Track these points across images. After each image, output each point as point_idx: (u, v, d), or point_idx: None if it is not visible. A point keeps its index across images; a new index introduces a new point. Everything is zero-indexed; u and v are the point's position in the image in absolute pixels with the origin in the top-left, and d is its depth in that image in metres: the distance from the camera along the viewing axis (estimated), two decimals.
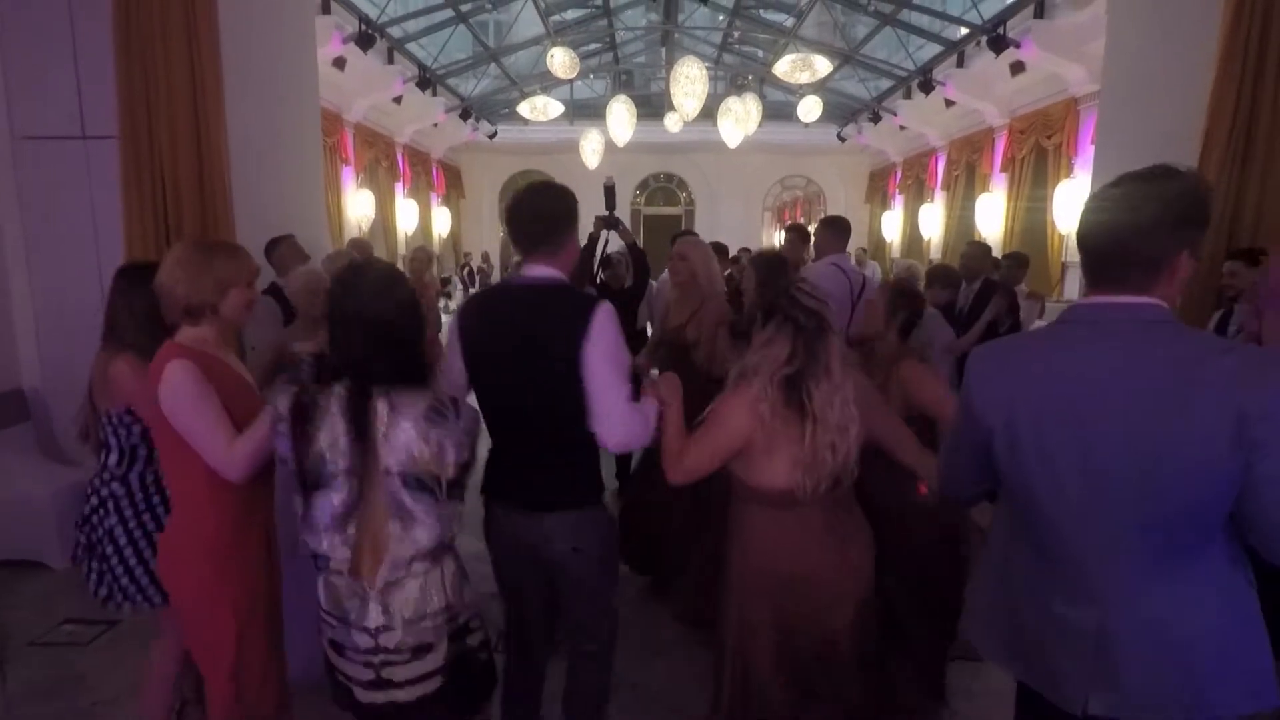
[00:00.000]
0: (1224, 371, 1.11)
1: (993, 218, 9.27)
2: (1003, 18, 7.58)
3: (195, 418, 1.64)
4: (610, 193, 3.91)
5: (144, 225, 3.57)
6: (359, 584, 1.46)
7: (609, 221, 3.91)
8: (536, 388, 1.76)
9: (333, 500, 1.43)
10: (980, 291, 4.51)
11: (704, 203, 15.74)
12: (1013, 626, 1.36)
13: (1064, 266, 7.81)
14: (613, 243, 4.26)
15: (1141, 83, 4.09)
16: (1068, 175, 7.67)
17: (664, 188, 16.02)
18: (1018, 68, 7.99)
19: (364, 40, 7.74)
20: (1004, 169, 9.19)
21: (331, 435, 1.42)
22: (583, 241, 3.09)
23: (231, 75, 3.65)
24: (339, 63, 7.93)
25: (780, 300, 1.76)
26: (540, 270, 1.81)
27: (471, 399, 1.68)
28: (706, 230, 15.44)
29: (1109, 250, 1.22)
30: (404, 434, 1.42)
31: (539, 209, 1.82)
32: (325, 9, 7.12)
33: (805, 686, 1.80)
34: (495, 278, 12.88)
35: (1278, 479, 1.10)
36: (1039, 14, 7.17)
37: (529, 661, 2.04)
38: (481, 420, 1.58)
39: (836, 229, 3.95)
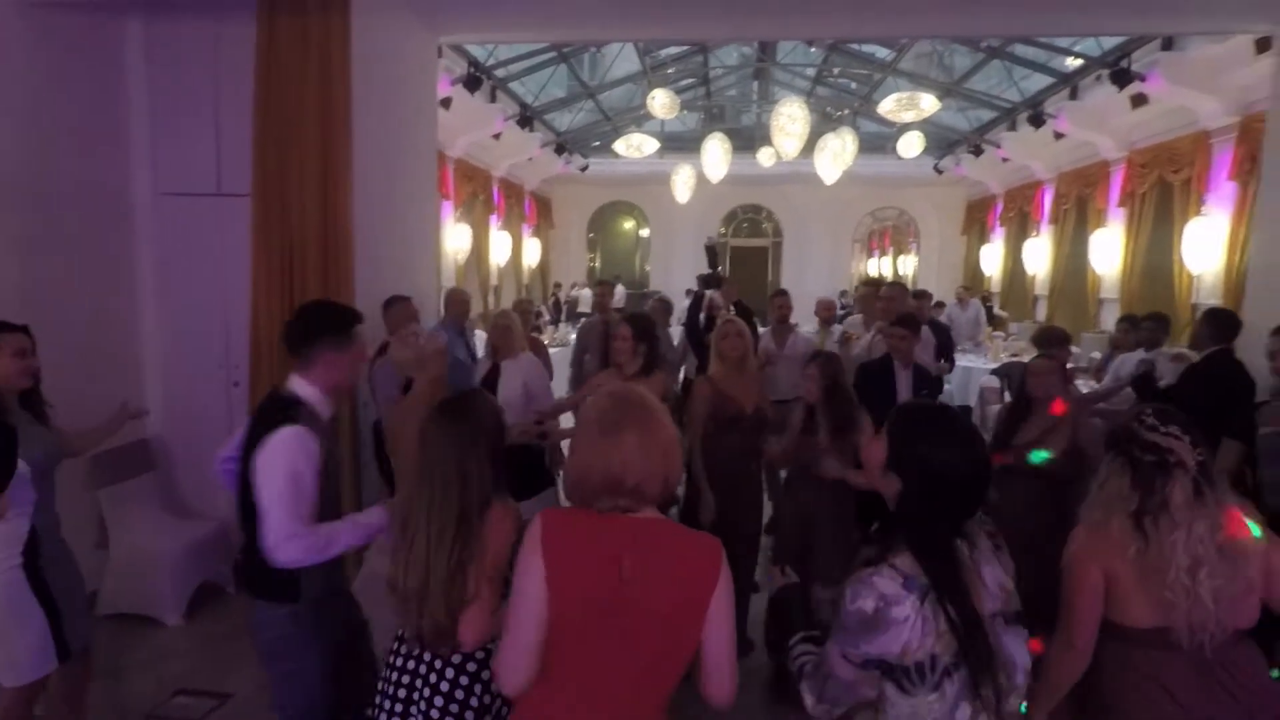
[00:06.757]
0: None
1: (1109, 255, 8.73)
2: (1126, 50, 7.18)
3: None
4: (713, 252, 3.84)
5: (269, 279, 3.69)
6: None
7: (712, 280, 3.82)
8: None
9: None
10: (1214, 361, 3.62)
11: (791, 234, 15.53)
12: None
13: (1194, 309, 7.24)
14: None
15: None
16: (1197, 213, 7.14)
17: (751, 219, 15.91)
18: (1139, 100, 7.52)
19: (471, 82, 8.04)
20: (1121, 204, 8.66)
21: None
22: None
23: (360, 135, 3.76)
24: (445, 102, 8.25)
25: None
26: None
27: None
28: (793, 262, 15.25)
29: None
30: None
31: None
32: (438, 53, 7.43)
33: None
34: (586, 306, 12.92)
35: None
36: (1167, 46, 6.75)
37: None
38: None
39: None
